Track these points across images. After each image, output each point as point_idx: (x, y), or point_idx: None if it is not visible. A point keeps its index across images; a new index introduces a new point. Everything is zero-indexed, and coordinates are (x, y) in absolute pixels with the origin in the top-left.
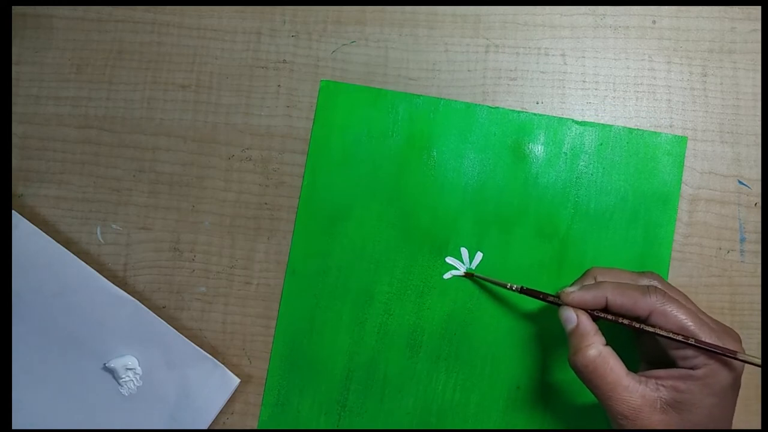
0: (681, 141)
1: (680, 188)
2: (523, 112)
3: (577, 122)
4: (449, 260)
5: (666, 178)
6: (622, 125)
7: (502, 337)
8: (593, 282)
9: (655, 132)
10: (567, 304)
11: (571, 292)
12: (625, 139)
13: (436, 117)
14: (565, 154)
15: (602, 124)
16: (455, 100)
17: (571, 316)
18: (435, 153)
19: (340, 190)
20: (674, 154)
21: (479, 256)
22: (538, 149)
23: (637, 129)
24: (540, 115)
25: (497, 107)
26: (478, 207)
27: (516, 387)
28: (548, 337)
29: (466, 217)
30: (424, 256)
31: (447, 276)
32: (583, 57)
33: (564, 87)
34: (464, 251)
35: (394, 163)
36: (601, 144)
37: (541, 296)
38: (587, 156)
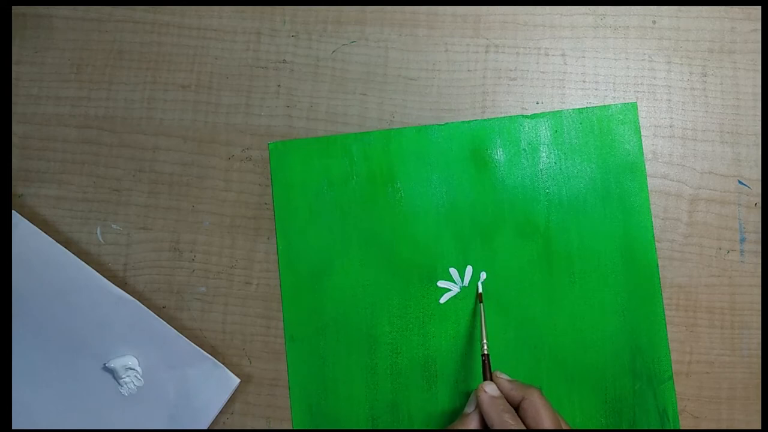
0: (632, 107)
1: (643, 153)
2: (473, 120)
3: (526, 117)
4: (441, 284)
5: (627, 147)
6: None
7: (512, 343)
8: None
9: (604, 105)
10: (482, 389)
11: (497, 381)
12: (577, 120)
13: (391, 148)
14: (525, 150)
15: (551, 112)
16: (404, 128)
17: (471, 403)
18: (399, 184)
19: (315, 246)
20: (628, 122)
21: (469, 270)
22: (497, 153)
23: (586, 107)
24: (490, 119)
25: (446, 123)
26: (455, 225)
27: (539, 388)
28: (556, 333)
29: (446, 238)
30: (415, 287)
31: (443, 300)
32: (583, 57)
33: (564, 87)
34: (453, 271)
35: (361, 205)
36: (556, 131)
37: (483, 365)
38: (546, 147)
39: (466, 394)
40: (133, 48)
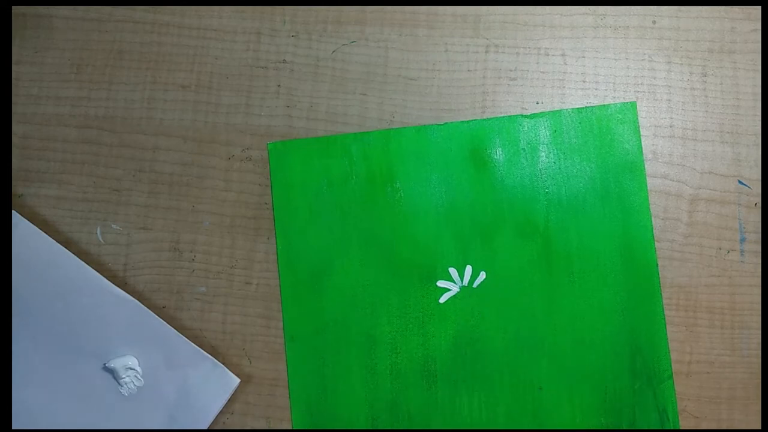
0: (631, 107)
1: (642, 153)
2: (472, 120)
3: (525, 116)
4: (441, 284)
5: (626, 146)
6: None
7: (511, 343)
8: None
9: (603, 105)
10: None
11: None
12: (576, 119)
13: (390, 148)
14: (524, 150)
15: (550, 111)
16: (404, 128)
17: None
18: (398, 184)
19: (315, 246)
20: (627, 121)
21: (469, 270)
22: (496, 153)
23: (585, 107)
24: (490, 119)
25: (446, 123)
26: (455, 224)
27: (539, 388)
28: (555, 332)
29: (446, 238)
30: (415, 287)
31: (443, 299)
32: (583, 57)
33: (564, 87)
34: (453, 271)
35: (360, 205)
36: (555, 131)
37: None
38: (545, 147)
39: (466, 394)
40: (133, 48)
